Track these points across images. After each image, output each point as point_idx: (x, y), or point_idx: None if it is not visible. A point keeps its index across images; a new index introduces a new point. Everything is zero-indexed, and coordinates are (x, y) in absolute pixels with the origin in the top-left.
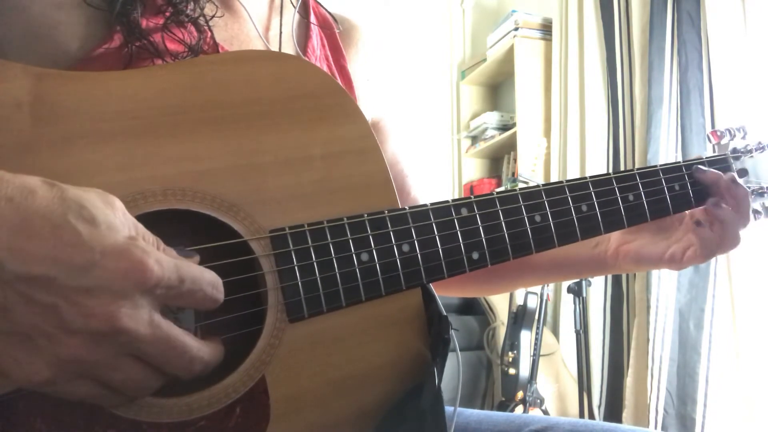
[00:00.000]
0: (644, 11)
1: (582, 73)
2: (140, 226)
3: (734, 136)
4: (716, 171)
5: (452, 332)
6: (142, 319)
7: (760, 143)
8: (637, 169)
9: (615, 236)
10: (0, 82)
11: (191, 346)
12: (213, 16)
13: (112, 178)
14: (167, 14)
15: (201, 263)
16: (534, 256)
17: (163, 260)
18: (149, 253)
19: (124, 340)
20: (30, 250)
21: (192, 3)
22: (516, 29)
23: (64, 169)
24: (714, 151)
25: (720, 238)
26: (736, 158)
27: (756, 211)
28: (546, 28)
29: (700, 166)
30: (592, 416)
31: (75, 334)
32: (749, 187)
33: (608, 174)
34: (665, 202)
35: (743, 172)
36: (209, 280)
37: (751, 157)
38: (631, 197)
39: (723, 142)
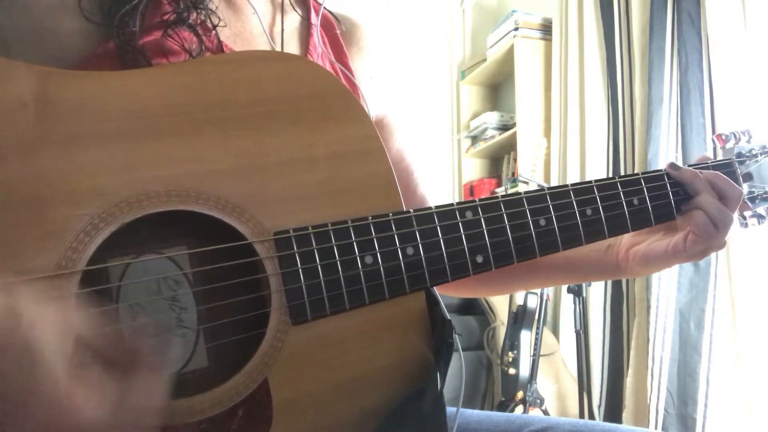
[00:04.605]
0: (644, 11)
1: (582, 73)
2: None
3: (739, 139)
4: (691, 169)
5: (455, 336)
6: None
7: (765, 147)
8: (642, 173)
9: (626, 239)
10: (4, 81)
11: None
12: (216, 26)
13: (115, 178)
14: (167, 17)
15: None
16: (547, 257)
17: (104, 403)
18: (87, 401)
19: None
20: None
21: (195, 12)
22: (516, 29)
23: (67, 169)
24: (715, 155)
25: (711, 220)
26: (741, 162)
27: (760, 216)
28: (546, 28)
29: (674, 162)
30: (592, 416)
31: None
32: (753, 192)
33: (613, 178)
34: (669, 206)
35: (748, 177)
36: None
37: (757, 161)
38: (635, 201)
39: (728, 145)
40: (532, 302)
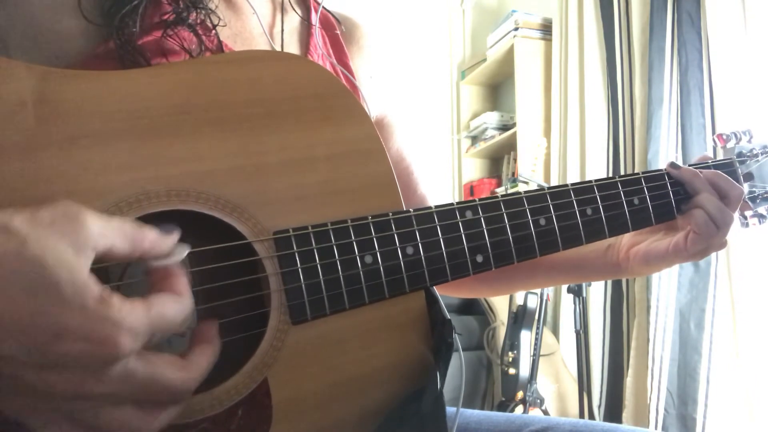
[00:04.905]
0: (644, 11)
1: (582, 73)
2: (125, 226)
3: (740, 139)
4: (692, 168)
5: (455, 336)
6: (114, 379)
7: (765, 147)
8: (642, 172)
9: (626, 239)
10: (4, 81)
11: (173, 379)
12: (216, 25)
13: (115, 178)
14: (166, 17)
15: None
16: (547, 257)
17: (134, 327)
18: (120, 323)
19: (97, 400)
20: None
21: (195, 12)
22: (516, 29)
23: (66, 169)
24: (716, 155)
25: (711, 218)
26: (742, 162)
27: (761, 216)
28: (546, 28)
29: (674, 162)
30: (592, 416)
31: (47, 402)
32: (754, 192)
33: (613, 177)
34: (670, 206)
35: (749, 176)
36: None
37: (757, 161)
38: (636, 201)
39: (729, 145)
40: (532, 302)
